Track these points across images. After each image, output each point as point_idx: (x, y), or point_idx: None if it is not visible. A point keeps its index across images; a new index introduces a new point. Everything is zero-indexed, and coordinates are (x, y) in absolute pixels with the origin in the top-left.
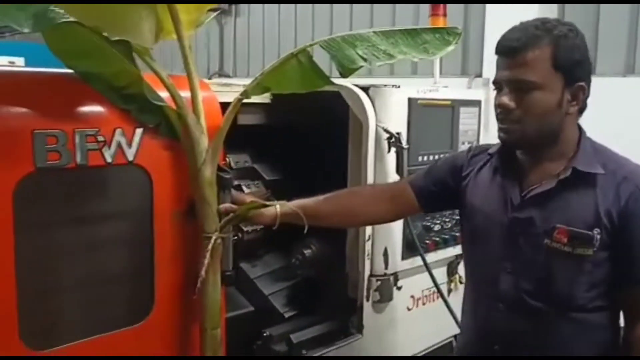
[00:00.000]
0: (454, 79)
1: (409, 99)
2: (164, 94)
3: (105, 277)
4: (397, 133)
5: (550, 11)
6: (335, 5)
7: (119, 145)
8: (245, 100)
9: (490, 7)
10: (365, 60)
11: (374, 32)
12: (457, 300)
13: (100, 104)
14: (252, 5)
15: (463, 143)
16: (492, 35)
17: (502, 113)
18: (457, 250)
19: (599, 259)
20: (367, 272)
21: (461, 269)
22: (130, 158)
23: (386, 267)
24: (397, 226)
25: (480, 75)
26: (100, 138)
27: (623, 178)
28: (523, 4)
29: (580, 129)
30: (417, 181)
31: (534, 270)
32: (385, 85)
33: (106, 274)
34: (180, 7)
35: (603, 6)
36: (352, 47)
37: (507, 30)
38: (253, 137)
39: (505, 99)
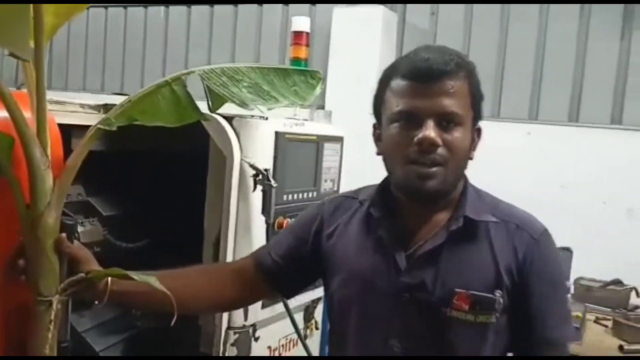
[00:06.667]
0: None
1: (276, 133)
2: None
3: None
4: (265, 170)
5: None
6: (170, 10)
7: None
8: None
9: (335, 36)
10: (253, 101)
11: (251, 67)
12: (312, 345)
13: None
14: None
15: (325, 181)
16: (337, 66)
17: (426, 152)
18: (315, 294)
19: (500, 325)
20: (224, 325)
21: (318, 314)
22: None
23: (245, 319)
24: None
25: (323, 107)
26: None
27: (516, 227)
28: (367, 32)
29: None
30: (265, 260)
31: (433, 347)
32: (252, 116)
33: None
34: (49, 7)
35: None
36: (236, 83)
37: (418, 51)
38: (88, 165)
39: (433, 134)
